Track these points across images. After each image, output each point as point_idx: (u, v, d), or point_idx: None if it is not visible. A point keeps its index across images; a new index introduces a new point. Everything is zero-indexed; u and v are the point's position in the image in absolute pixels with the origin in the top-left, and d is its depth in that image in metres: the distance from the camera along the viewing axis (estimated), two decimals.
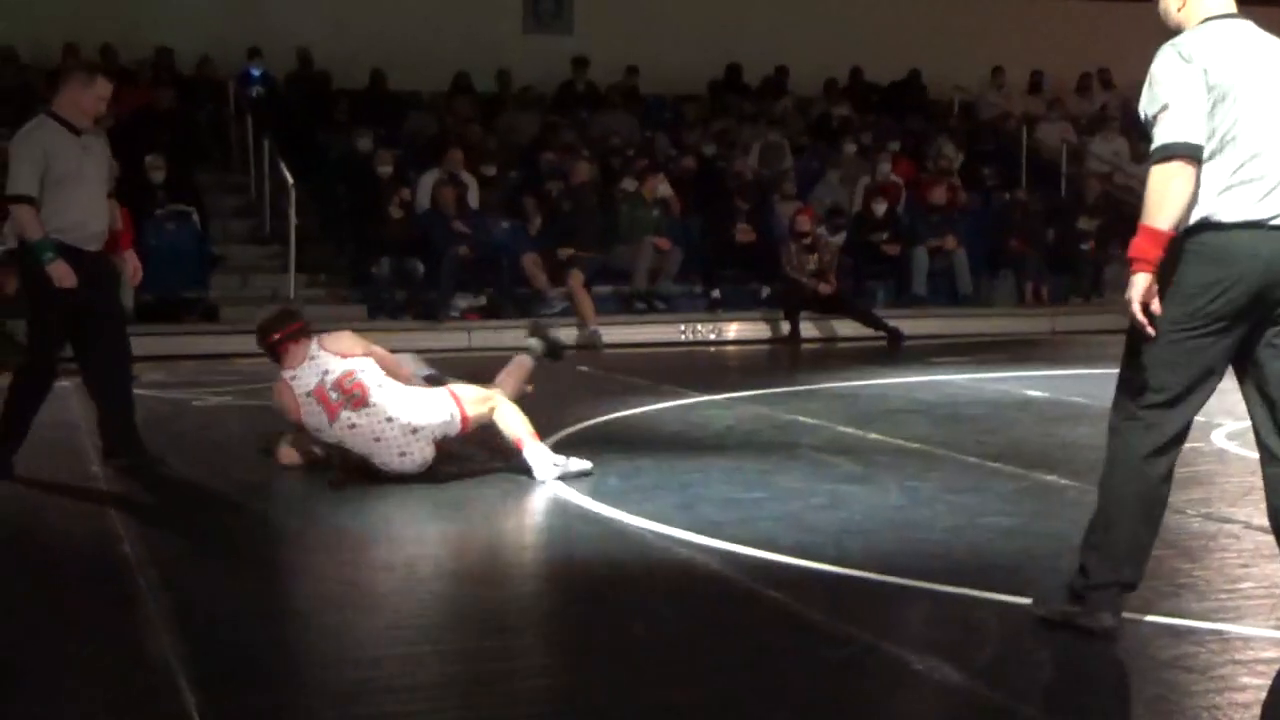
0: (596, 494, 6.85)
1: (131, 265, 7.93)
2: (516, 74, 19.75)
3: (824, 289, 15.93)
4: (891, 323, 15.77)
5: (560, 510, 6.71)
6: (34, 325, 7.50)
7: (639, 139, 18.88)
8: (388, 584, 5.53)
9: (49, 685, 4.25)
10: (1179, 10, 4.59)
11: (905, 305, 17.06)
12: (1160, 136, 4.38)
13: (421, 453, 7.24)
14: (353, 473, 7.26)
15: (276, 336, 7.38)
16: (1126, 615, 4.72)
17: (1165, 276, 4.41)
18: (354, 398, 7.16)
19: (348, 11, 19.65)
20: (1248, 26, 4.54)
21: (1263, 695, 4.10)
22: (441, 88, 19.41)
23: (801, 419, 9.48)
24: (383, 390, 7.25)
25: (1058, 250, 18.05)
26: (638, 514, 6.41)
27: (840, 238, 17.29)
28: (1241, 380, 4.60)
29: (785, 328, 16.02)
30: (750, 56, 20.92)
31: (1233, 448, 8.07)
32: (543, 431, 7.61)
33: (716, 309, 16.66)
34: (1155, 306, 4.39)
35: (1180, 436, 4.56)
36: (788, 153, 19.15)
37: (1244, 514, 6.42)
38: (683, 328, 16.04)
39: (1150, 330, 4.41)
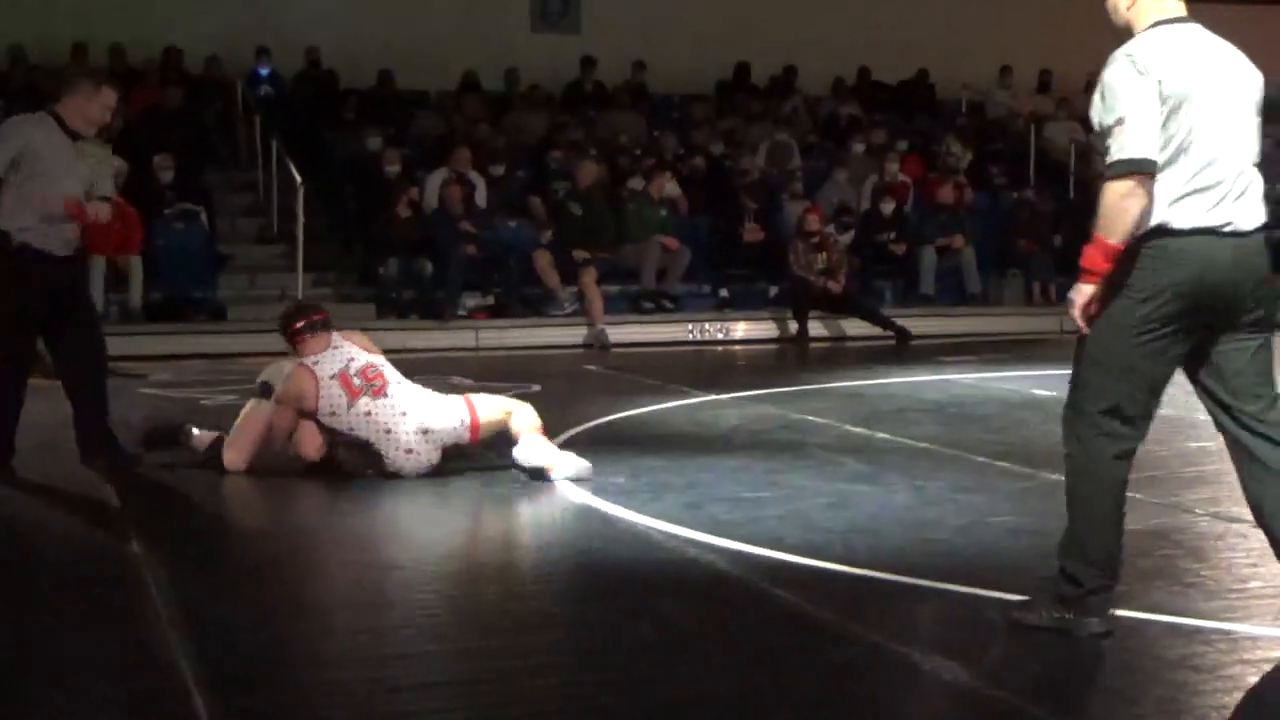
0: (604, 493, 6.85)
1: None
2: (524, 73, 19.76)
3: (832, 288, 15.93)
4: (899, 322, 15.76)
5: (567, 509, 6.71)
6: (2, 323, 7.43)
7: (646, 138, 18.87)
8: (395, 583, 5.52)
9: (55, 685, 4.24)
10: (1128, 9, 4.60)
11: (913, 304, 17.04)
12: (1117, 150, 4.40)
13: (428, 455, 7.27)
14: (358, 463, 7.30)
15: (297, 326, 7.49)
16: (1136, 615, 4.73)
17: (1119, 282, 4.44)
18: (374, 386, 7.27)
19: (356, 11, 19.68)
20: (1198, 30, 4.56)
21: (1270, 695, 4.09)
22: (449, 87, 19.41)
23: (809, 418, 9.47)
24: (400, 387, 7.35)
25: (1066, 250, 18.01)
26: (645, 513, 6.40)
27: (848, 237, 17.29)
28: (1194, 381, 4.65)
29: (793, 327, 16.01)
30: (758, 56, 20.91)
31: None
32: (551, 431, 7.60)
33: (724, 308, 16.67)
34: (1092, 309, 4.48)
35: (1141, 437, 4.59)
36: (796, 152, 19.15)
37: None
38: (690, 327, 16.04)
39: (1085, 329, 4.49)
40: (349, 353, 7.40)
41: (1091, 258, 4.44)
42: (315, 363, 7.34)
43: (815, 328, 16.06)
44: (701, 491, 6.96)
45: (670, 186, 17.12)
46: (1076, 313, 4.50)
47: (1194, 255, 4.40)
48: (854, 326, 16.11)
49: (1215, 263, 4.41)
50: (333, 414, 7.27)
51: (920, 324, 16.02)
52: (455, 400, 7.47)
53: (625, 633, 4.75)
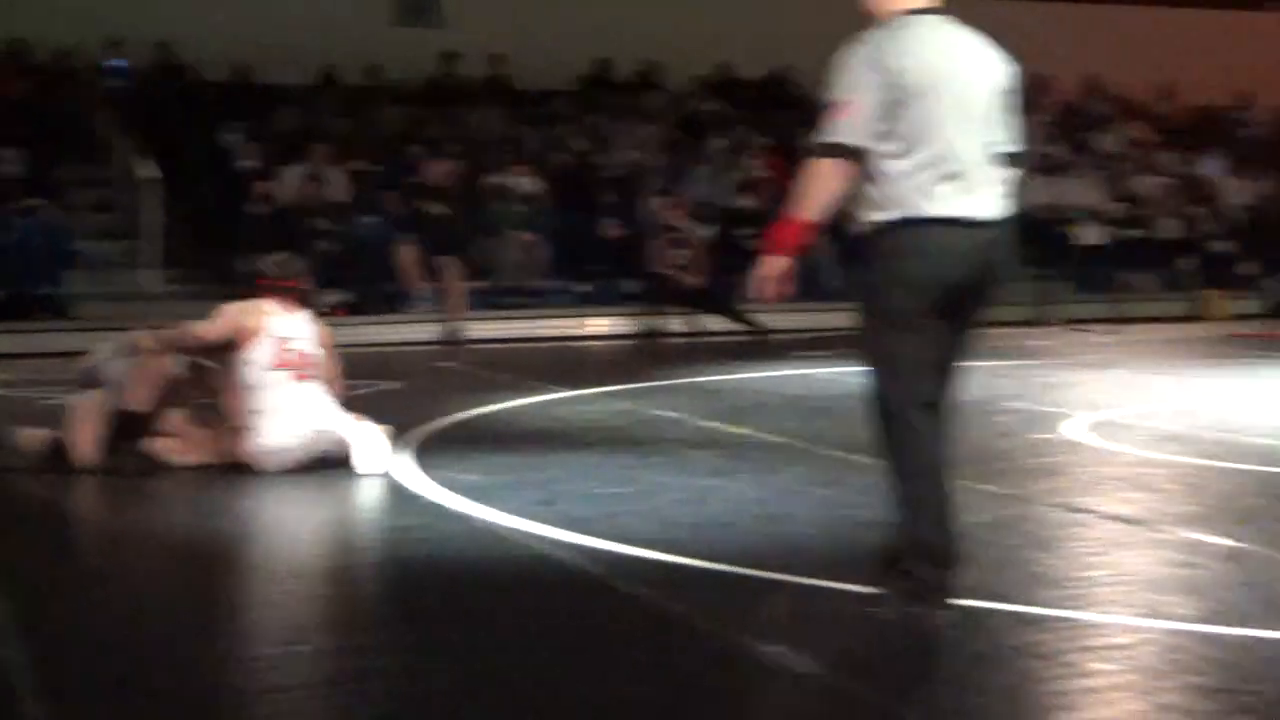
0: (459, 490, 6.81)
1: None
2: (386, 68, 19.60)
3: (691, 283, 16.00)
4: (757, 317, 15.86)
5: (420, 507, 6.65)
6: None
7: (509, 134, 18.82)
8: (246, 585, 5.46)
9: None
10: None
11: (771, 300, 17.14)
12: (826, 131, 4.56)
13: (303, 452, 7.33)
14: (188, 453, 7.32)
15: (265, 282, 7.65)
16: (982, 604, 4.79)
17: (874, 278, 4.60)
18: (300, 372, 7.40)
19: (213, 2, 19.38)
20: (944, 22, 4.69)
21: (1112, 680, 4.18)
22: (309, 81, 19.20)
23: (666, 414, 9.51)
24: (318, 388, 7.48)
25: None
26: (500, 510, 6.38)
27: (709, 233, 17.37)
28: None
29: (652, 322, 16.06)
30: (621, 52, 20.94)
31: (1083, 439, 8.22)
32: (405, 428, 7.58)
33: (584, 304, 16.68)
34: (782, 289, 4.72)
35: (943, 419, 4.71)
36: (658, 148, 19.21)
37: (1095, 503, 6.55)
38: (550, 323, 16.03)
39: (766, 300, 4.77)
40: (302, 330, 7.50)
41: (780, 233, 4.64)
42: (272, 313, 7.45)
43: (674, 323, 16.12)
44: (557, 488, 6.95)
45: (531, 182, 17.10)
46: (761, 285, 4.70)
47: (937, 245, 4.56)
48: (712, 322, 16.19)
49: (957, 252, 4.57)
50: (247, 364, 7.34)
51: (778, 319, 16.13)
52: (347, 416, 7.50)
53: (480, 632, 4.73)
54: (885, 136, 4.54)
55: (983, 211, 4.59)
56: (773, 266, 4.70)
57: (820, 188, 4.58)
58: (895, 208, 4.55)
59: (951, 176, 4.55)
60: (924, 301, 4.56)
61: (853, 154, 4.53)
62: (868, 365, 4.71)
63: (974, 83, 4.62)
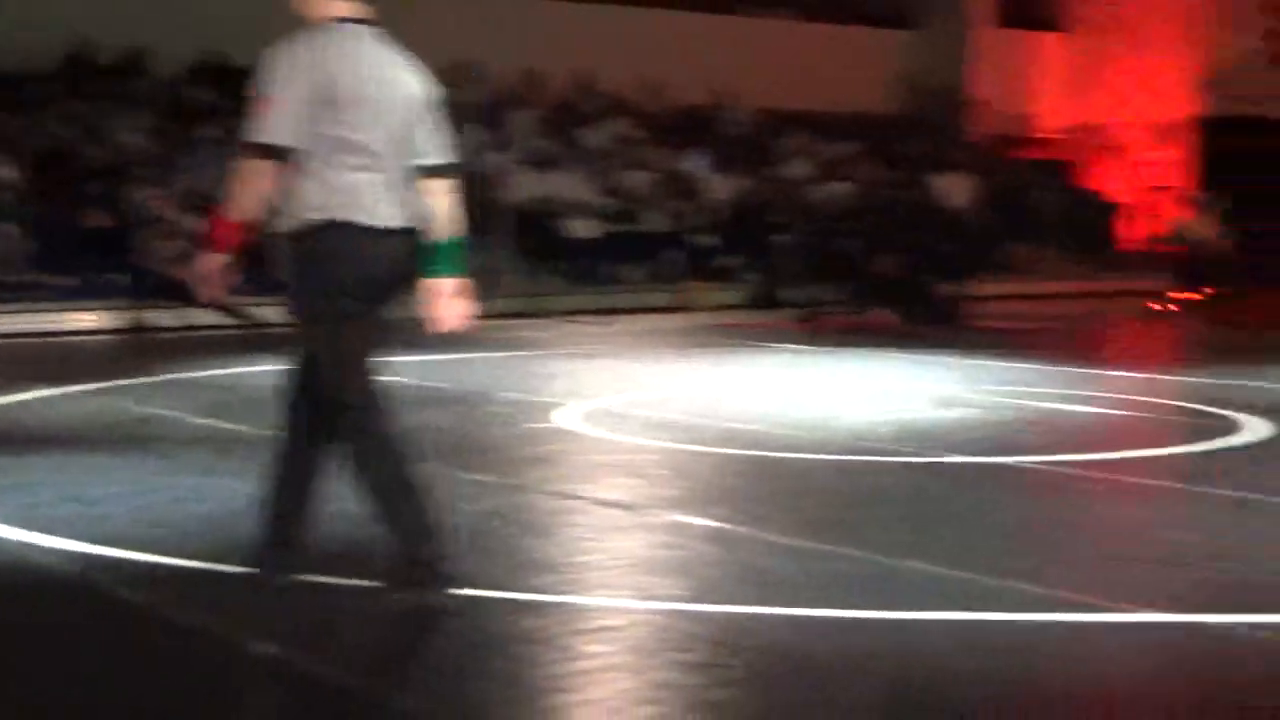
0: None
1: None
2: None
3: (182, 276, 15.56)
4: (249, 310, 15.56)
5: None
6: None
7: None
8: None
9: None
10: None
11: (267, 293, 16.88)
12: (253, 131, 4.69)
13: None
14: None
15: None
16: (480, 593, 4.88)
17: (313, 281, 4.73)
18: None
19: None
20: (370, 35, 4.86)
21: (605, 661, 4.32)
22: None
23: (158, 411, 9.23)
24: None
25: None
26: None
27: (199, 224, 16.96)
28: None
29: (142, 316, 15.56)
30: (104, 34, 20.12)
31: (575, 427, 8.46)
32: None
33: (69, 298, 15.99)
34: (222, 285, 4.80)
35: (387, 403, 4.84)
36: (147, 136, 18.63)
37: (587, 489, 6.76)
38: (32, 317, 15.31)
39: (203, 298, 4.88)
40: None
41: (216, 232, 4.75)
42: None
43: (164, 317, 15.64)
44: (40, 490, 6.65)
45: (7, 170, 16.31)
46: (200, 282, 4.78)
47: (363, 249, 4.71)
48: (204, 315, 15.78)
49: (382, 257, 4.74)
50: None
51: (272, 312, 15.87)
52: None
53: None
54: (314, 140, 4.63)
55: (397, 220, 4.74)
56: (210, 263, 4.74)
57: (249, 187, 4.66)
58: (326, 210, 4.65)
59: (374, 185, 4.68)
60: (357, 300, 4.70)
61: (280, 154, 4.60)
62: (321, 368, 4.76)
63: (393, 97, 4.77)
